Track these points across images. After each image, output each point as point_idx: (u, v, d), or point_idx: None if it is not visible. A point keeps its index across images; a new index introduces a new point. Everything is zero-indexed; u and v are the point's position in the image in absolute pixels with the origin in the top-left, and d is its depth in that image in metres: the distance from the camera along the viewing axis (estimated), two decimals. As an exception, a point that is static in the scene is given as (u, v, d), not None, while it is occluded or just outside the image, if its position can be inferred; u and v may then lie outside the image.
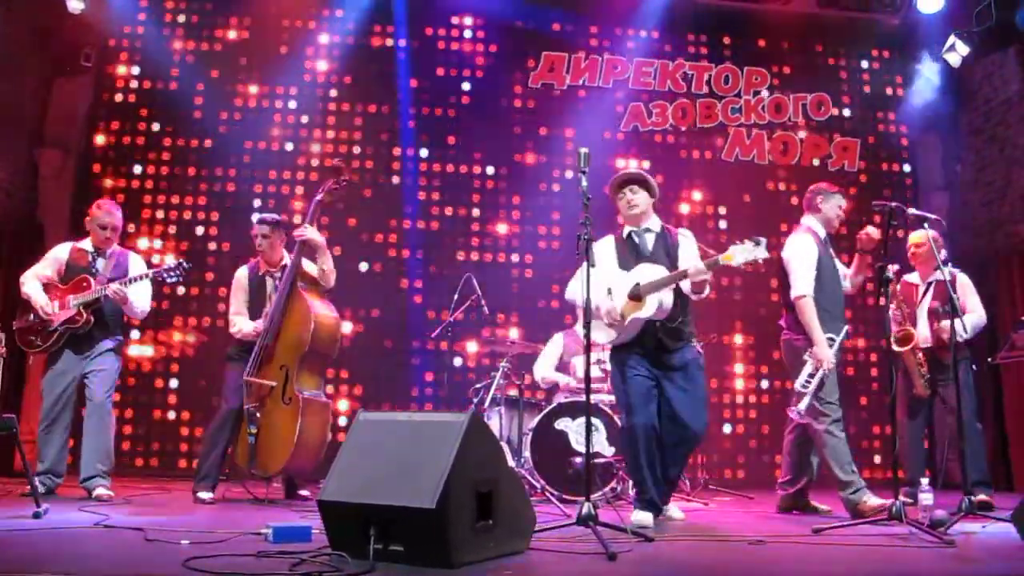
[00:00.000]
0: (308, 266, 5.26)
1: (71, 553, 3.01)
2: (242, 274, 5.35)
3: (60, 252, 5.22)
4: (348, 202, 7.53)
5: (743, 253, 3.91)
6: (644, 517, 4.11)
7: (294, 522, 3.57)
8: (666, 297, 4.11)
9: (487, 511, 2.92)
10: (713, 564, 3.12)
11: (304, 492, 5.22)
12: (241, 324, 5.20)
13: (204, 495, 4.90)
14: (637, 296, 4.13)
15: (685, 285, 4.15)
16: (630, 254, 4.31)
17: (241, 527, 3.56)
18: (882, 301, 4.11)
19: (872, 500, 4.47)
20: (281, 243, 5.34)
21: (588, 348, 3.68)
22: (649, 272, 4.15)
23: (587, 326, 3.67)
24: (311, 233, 5.11)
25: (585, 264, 3.68)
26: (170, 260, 5.84)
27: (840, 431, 4.64)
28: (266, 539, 3.24)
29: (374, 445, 3.04)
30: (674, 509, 4.49)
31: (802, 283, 4.66)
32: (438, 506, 2.68)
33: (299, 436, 4.84)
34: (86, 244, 5.21)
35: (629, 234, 4.38)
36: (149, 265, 5.41)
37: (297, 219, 7.21)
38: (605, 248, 4.35)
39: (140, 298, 5.16)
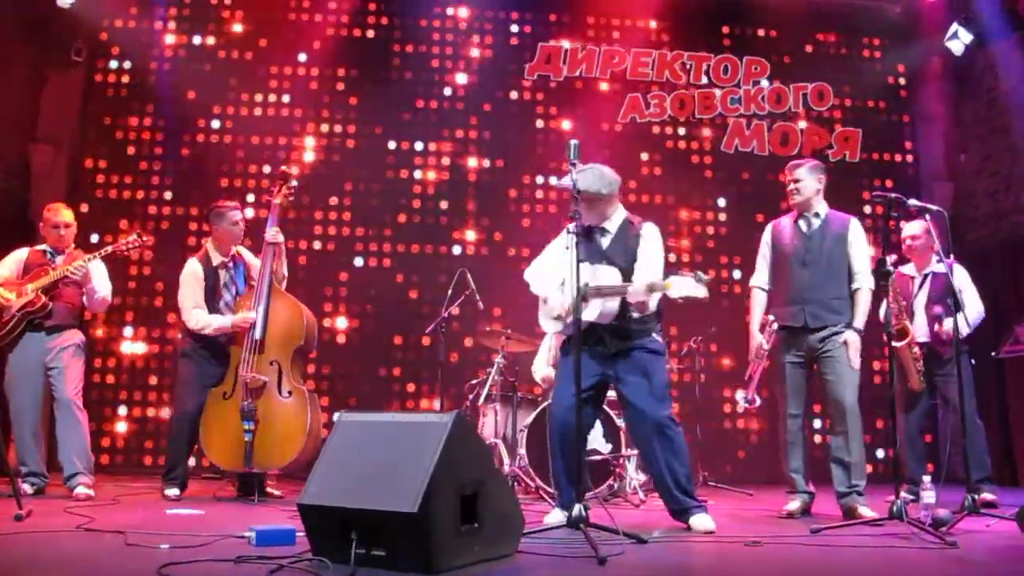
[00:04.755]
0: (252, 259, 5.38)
1: (46, 557, 2.93)
2: (196, 267, 5.21)
3: (19, 254, 5.18)
4: (341, 197, 7.56)
5: (683, 287, 3.61)
6: (555, 517, 3.90)
7: (279, 525, 3.49)
8: (610, 304, 3.90)
9: (472, 514, 2.84)
10: (707, 567, 3.04)
11: (276, 492, 5.16)
12: (213, 320, 5.08)
13: (171, 492, 4.95)
14: (584, 297, 3.84)
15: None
16: (588, 248, 4.02)
17: (225, 530, 3.48)
18: (892, 296, 4.02)
19: (792, 505, 4.56)
20: None
21: (579, 344, 3.59)
22: (605, 275, 3.95)
23: (576, 321, 3.58)
24: (281, 238, 5.21)
25: (550, 249, 3.61)
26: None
27: (784, 429, 4.64)
28: (249, 542, 3.17)
29: (356, 447, 2.95)
30: (702, 518, 3.88)
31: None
32: (420, 510, 2.60)
33: (310, 428, 4.92)
34: (44, 246, 5.20)
35: (590, 228, 4.13)
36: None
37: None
38: (567, 239, 4.00)
39: (101, 283, 5.13)
